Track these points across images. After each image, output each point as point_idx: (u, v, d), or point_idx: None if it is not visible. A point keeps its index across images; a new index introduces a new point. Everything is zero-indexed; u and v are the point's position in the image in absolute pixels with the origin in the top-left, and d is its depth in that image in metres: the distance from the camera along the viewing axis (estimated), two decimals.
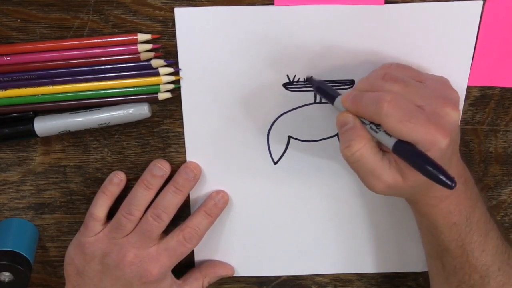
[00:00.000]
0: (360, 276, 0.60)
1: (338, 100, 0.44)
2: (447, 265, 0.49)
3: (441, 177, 0.37)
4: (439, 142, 0.39)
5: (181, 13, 0.46)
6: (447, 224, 0.46)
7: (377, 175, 0.41)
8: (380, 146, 0.42)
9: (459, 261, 0.48)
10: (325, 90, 0.46)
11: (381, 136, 0.40)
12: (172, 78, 0.48)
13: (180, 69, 0.48)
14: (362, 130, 0.41)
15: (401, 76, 0.42)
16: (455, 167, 0.44)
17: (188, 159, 0.52)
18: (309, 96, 0.50)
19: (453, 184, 0.37)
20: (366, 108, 0.40)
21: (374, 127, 0.41)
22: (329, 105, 0.50)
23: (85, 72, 0.47)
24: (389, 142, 0.40)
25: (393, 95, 0.39)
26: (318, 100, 0.50)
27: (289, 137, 0.52)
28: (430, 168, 0.37)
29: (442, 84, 0.43)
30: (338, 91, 0.46)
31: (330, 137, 0.52)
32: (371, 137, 0.41)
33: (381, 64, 0.47)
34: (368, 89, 0.42)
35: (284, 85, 0.49)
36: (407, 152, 0.39)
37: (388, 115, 0.39)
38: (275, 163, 0.53)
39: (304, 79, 0.49)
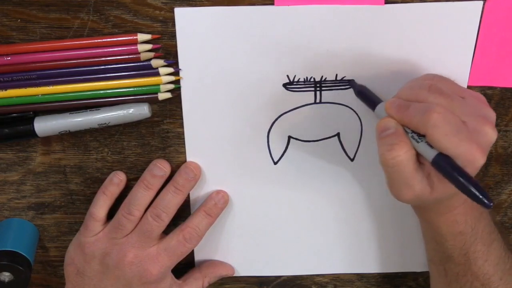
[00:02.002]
0: (360, 276, 0.60)
1: (380, 106, 0.44)
2: (449, 271, 0.49)
3: (481, 196, 0.37)
4: (477, 161, 0.39)
5: (181, 13, 0.46)
6: (453, 232, 0.47)
7: (411, 184, 0.41)
8: (417, 157, 0.42)
9: (462, 269, 0.48)
10: (367, 95, 0.46)
11: (422, 147, 0.40)
12: (172, 78, 0.48)
13: (180, 69, 0.48)
14: (405, 136, 0.41)
15: (446, 90, 0.42)
16: None
17: (188, 159, 0.52)
18: (309, 96, 0.50)
19: (491, 204, 0.37)
20: (413, 117, 0.40)
21: (416, 137, 0.41)
22: (329, 105, 0.50)
23: (85, 72, 0.47)
24: (430, 154, 0.40)
25: (442, 107, 0.39)
26: (318, 100, 0.50)
27: (289, 137, 0.52)
28: (470, 187, 0.38)
29: (481, 101, 0.43)
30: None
31: (330, 137, 0.52)
32: (413, 146, 0.41)
33: (381, 64, 0.48)
34: (412, 99, 0.42)
35: (284, 85, 0.49)
36: (448, 167, 0.39)
37: (435, 126, 0.39)
38: (275, 163, 0.53)
39: (304, 79, 0.49)
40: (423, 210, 0.48)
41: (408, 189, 0.42)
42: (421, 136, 0.40)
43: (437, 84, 0.42)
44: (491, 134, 0.40)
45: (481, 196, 0.37)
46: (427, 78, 0.44)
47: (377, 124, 0.43)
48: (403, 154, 0.41)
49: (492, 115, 0.42)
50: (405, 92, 0.43)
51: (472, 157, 0.39)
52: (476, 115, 0.41)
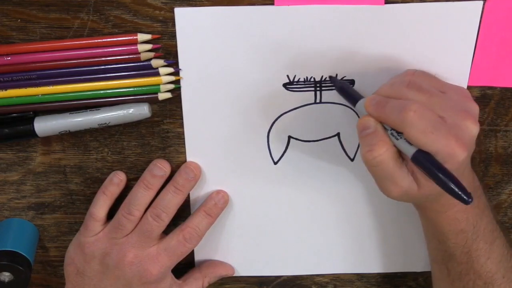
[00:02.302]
0: (360, 276, 0.60)
1: (360, 103, 0.44)
2: (452, 270, 0.49)
3: (459, 192, 0.38)
4: (457, 155, 0.39)
5: (181, 13, 0.46)
6: (454, 230, 0.47)
7: (395, 181, 0.42)
8: (399, 153, 0.42)
9: (464, 267, 0.48)
10: (348, 92, 0.46)
11: (402, 144, 0.40)
12: (172, 78, 0.48)
13: (180, 69, 0.48)
14: (384, 135, 0.41)
15: (425, 86, 0.42)
16: (466, 177, 0.45)
17: (188, 159, 0.52)
18: (309, 96, 0.50)
19: (470, 200, 0.37)
20: (390, 115, 0.40)
21: (395, 134, 0.41)
22: (329, 105, 0.50)
23: (85, 72, 0.47)
24: (409, 151, 0.40)
25: (418, 105, 0.39)
26: (318, 100, 0.50)
27: (289, 137, 0.52)
28: (449, 183, 0.38)
29: (463, 96, 0.43)
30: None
31: (330, 137, 0.52)
32: (393, 143, 0.41)
33: (381, 64, 0.48)
34: (392, 95, 0.42)
35: (284, 85, 0.49)
36: (427, 163, 0.39)
37: (411, 124, 0.39)
38: (275, 163, 0.53)
39: (304, 79, 0.49)
40: (423, 209, 0.48)
41: (394, 185, 0.42)
42: (400, 133, 0.40)
43: (417, 80, 0.42)
44: (471, 128, 0.40)
45: (459, 192, 0.38)
46: (408, 74, 0.44)
47: (357, 123, 0.43)
48: (383, 153, 0.41)
49: (474, 108, 0.42)
50: (385, 88, 0.43)
51: (452, 152, 0.39)
52: (457, 109, 0.41)
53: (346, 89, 0.47)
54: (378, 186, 0.44)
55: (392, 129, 0.41)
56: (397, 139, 0.41)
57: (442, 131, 0.39)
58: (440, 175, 0.38)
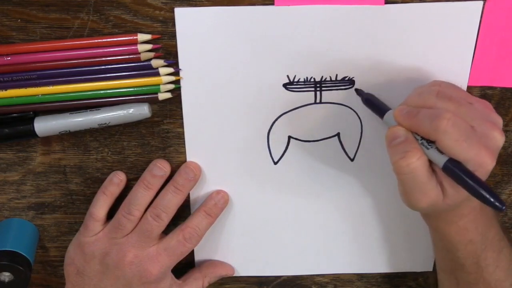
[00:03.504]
0: (360, 276, 0.60)
1: (389, 114, 0.44)
2: (461, 280, 0.49)
3: (492, 199, 0.38)
4: (486, 164, 0.39)
5: (181, 13, 0.46)
6: (463, 241, 0.47)
7: (425, 191, 0.41)
8: (429, 163, 0.42)
9: (474, 277, 0.48)
10: (374, 103, 0.46)
11: (432, 153, 0.40)
12: (172, 78, 0.48)
13: (180, 69, 0.48)
14: (416, 143, 0.41)
15: (454, 96, 0.42)
16: None
17: (188, 159, 0.52)
18: (309, 96, 0.50)
19: (503, 207, 0.38)
20: (422, 123, 0.40)
21: (425, 144, 0.41)
22: (329, 105, 0.50)
23: (85, 72, 0.47)
24: (440, 160, 0.40)
25: (451, 113, 0.39)
26: (318, 100, 0.50)
27: (289, 137, 0.52)
28: (482, 191, 0.38)
29: (488, 107, 0.43)
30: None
31: (330, 137, 0.52)
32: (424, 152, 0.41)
33: (381, 64, 0.48)
34: (420, 105, 0.42)
35: (284, 85, 0.49)
36: (459, 172, 0.39)
37: (445, 132, 0.39)
38: (275, 163, 0.53)
39: (304, 79, 0.49)
40: (433, 219, 0.47)
41: (423, 196, 0.42)
42: (431, 142, 0.40)
43: (445, 90, 0.42)
44: (499, 139, 0.41)
45: (492, 200, 0.38)
46: (435, 84, 0.44)
47: (386, 133, 0.43)
48: (416, 161, 0.41)
49: (499, 120, 0.42)
50: (413, 99, 0.43)
51: (482, 161, 0.39)
52: (484, 120, 0.41)
53: (373, 101, 0.47)
54: (404, 197, 0.43)
55: (423, 138, 0.41)
56: (427, 148, 0.41)
57: (474, 140, 0.39)
58: (473, 184, 0.38)
